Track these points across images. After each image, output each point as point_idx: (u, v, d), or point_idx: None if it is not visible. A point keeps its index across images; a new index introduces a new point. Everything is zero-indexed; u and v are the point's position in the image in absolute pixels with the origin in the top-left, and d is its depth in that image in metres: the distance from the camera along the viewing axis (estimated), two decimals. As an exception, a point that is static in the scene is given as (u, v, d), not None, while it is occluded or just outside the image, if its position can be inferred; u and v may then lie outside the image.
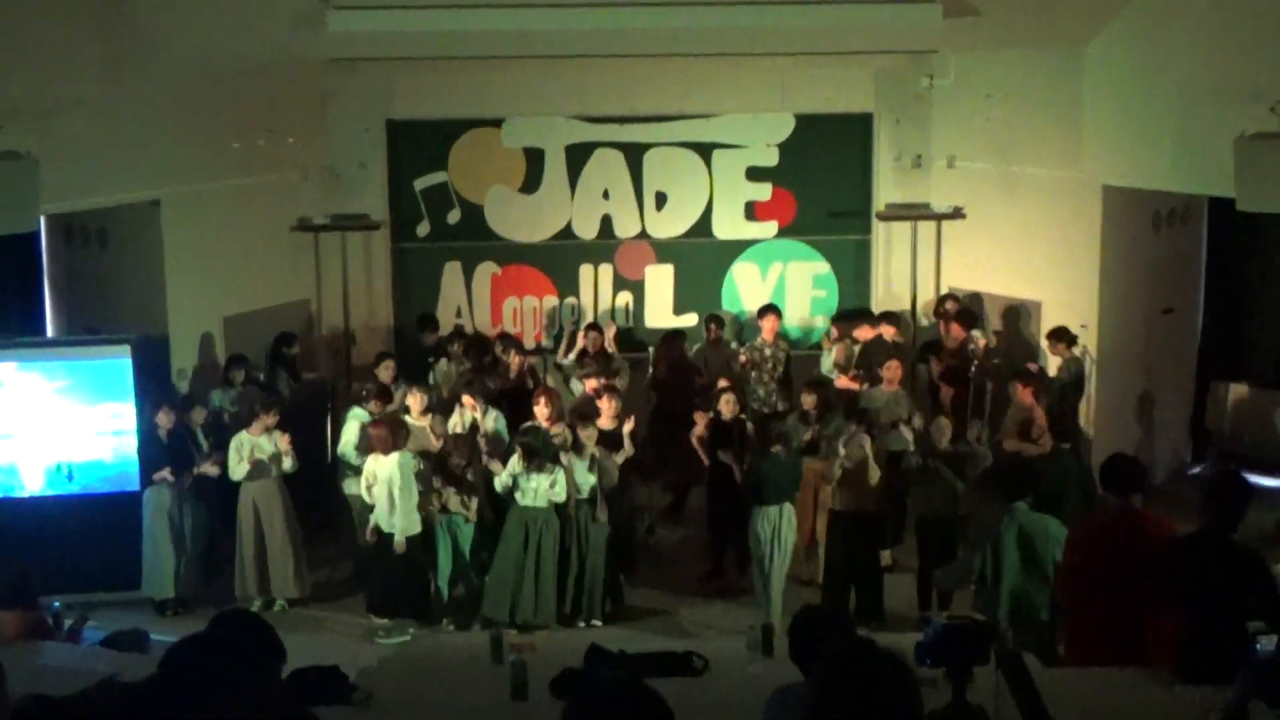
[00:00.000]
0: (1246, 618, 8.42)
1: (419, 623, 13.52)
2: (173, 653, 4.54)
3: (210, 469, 13.86)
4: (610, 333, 16.37)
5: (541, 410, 13.62)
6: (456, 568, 13.44)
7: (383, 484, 13.21)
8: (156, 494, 13.71)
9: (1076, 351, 15.30)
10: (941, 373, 15.81)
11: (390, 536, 13.25)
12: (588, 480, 13.23)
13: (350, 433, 14.12)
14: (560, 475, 13.08)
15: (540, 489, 13.04)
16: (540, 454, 13.04)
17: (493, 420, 14.12)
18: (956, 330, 15.99)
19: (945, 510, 13.20)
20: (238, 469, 13.65)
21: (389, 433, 13.34)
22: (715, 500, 14.27)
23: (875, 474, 13.07)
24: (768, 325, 16.11)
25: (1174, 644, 8.77)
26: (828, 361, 16.10)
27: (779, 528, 13.18)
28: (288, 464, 13.75)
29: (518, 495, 13.11)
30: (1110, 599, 9.14)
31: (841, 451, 13.03)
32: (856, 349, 16.16)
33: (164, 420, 13.71)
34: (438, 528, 13.33)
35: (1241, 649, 8.16)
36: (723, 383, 14.66)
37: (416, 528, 13.27)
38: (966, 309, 16.39)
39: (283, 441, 13.70)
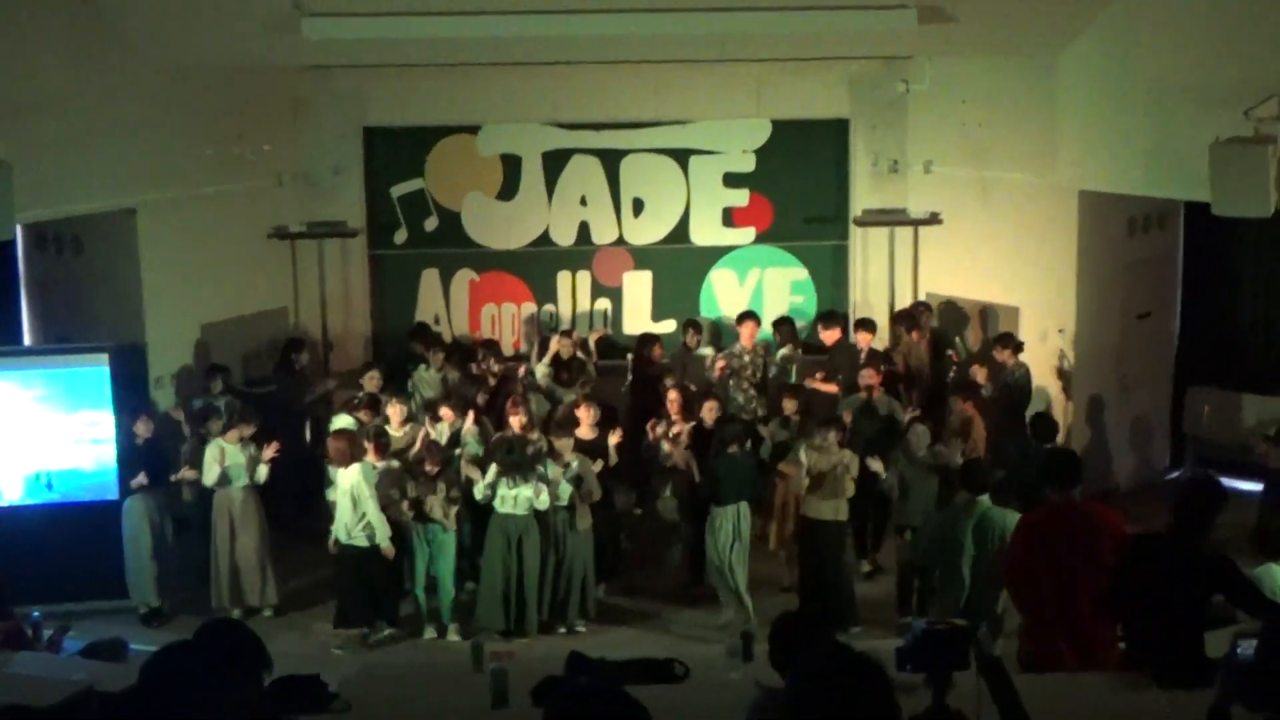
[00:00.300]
0: (1204, 624, 8.53)
1: (391, 627, 13.50)
2: (153, 661, 4.52)
3: (188, 474, 13.82)
4: (593, 339, 16.40)
5: (517, 420, 13.60)
6: (430, 577, 13.39)
7: (344, 494, 13.13)
8: (136, 503, 13.66)
9: (1023, 358, 15.32)
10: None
11: (349, 548, 13.18)
12: (566, 489, 13.21)
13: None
14: (543, 484, 13.07)
15: (521, 497, 13.02)
16: (516, 465, 13.03)
17: (471, 428, 14.08)
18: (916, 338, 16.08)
19: (923, 519, 13.20)
20: (210, 475, 13.62)
21: (347, 444, 13.27)
22: (696, 506, 14.23)
23: (850, 485, 13.05)
24: (746, 332, 16.09)
25: (1113, 639, 9.00)
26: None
27: (737, 526, 13.23)
28: (261, 474, 13.70)
29: (497, 504, 13.09)
30: (1051, 589, 9.27)
31: (802, 459, 13.02)
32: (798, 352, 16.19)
33: (142, 430, 13.66)
34: (415, 537, 13.29)
35: (1196, 655, 8.29)
36: (687, 389, 14.69)
37: (387, 534, 13.21)
38: (938, 328, 16.52)
39: (268, 450, 13.67)
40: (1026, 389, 15.37)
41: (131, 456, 13.63)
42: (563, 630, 13.30)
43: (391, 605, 13.54)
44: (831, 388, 15.39)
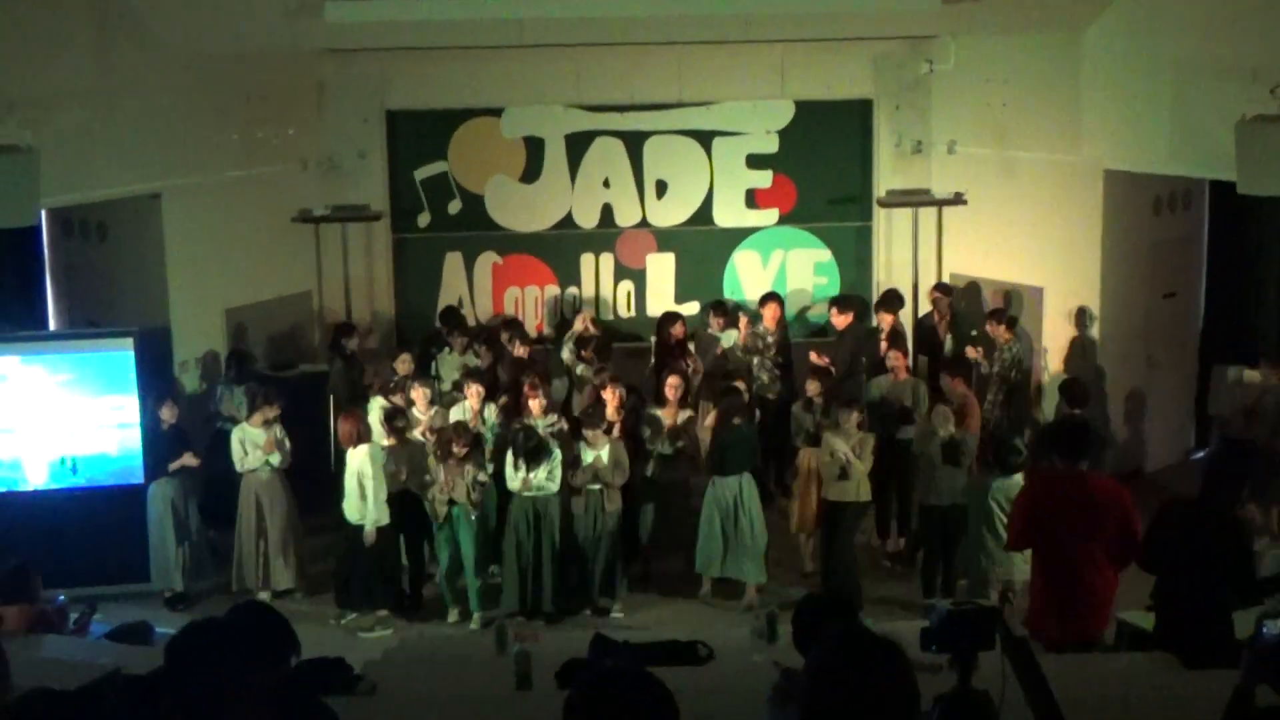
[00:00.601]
0: (1238, 593, 8.89)
1: (394, 615, 13.54)
2: (178, 640, 4.53)
3: (189, 460, 13.84)
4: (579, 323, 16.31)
5: (536, 404, 13.60)
6: (456, 563, 13.40)
7: (352, 475, 13.19)
8: (160, 487, 13.70)
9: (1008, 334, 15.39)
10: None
11: (359, 528, 13.23)
12: (599, 471, 13.20)
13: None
14: (555, 465, 13.07)
15: (538, 479, 13.04)
16: (534, 452, 13.04)
17: (493, 411, 14.08)
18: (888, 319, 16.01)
19: (948, 499, 13.19)
20: (242, 461, 13.67)
21: (354, 425, 13.33)
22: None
23: (860, 466, 13.03)
24: (769, 313, 16.05)
25: (1104, 613, 9.44)
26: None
27: (740, 496, 13.30)
28: (275, 459, 13.72)
29: (516, 487, 13.11)
30: (1049, 556, 9.51)
31: (836, 447, 13.02)
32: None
33: (168, 415, 13.70)
34: (439, 523, 13.30)
35: (1224, 627, 8.72)
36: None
37: (386, 519, 13.22)
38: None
39: (268, 439, 13.68)
40: (1023, 364, 15.42)
41: (157, 441, 13.66)
42: (588, 611, 13.30)
43: (388, 593, 13.57)
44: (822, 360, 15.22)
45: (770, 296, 16.38)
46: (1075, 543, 9.43)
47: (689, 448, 13.73)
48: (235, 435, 13.73)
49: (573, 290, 17.74)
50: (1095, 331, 15.73)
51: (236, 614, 5.43)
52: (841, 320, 15.92)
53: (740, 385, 14.25)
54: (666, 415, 13.77)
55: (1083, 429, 10.46)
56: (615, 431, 13.58)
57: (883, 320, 15.97)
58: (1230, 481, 9.11)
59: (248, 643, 4.59)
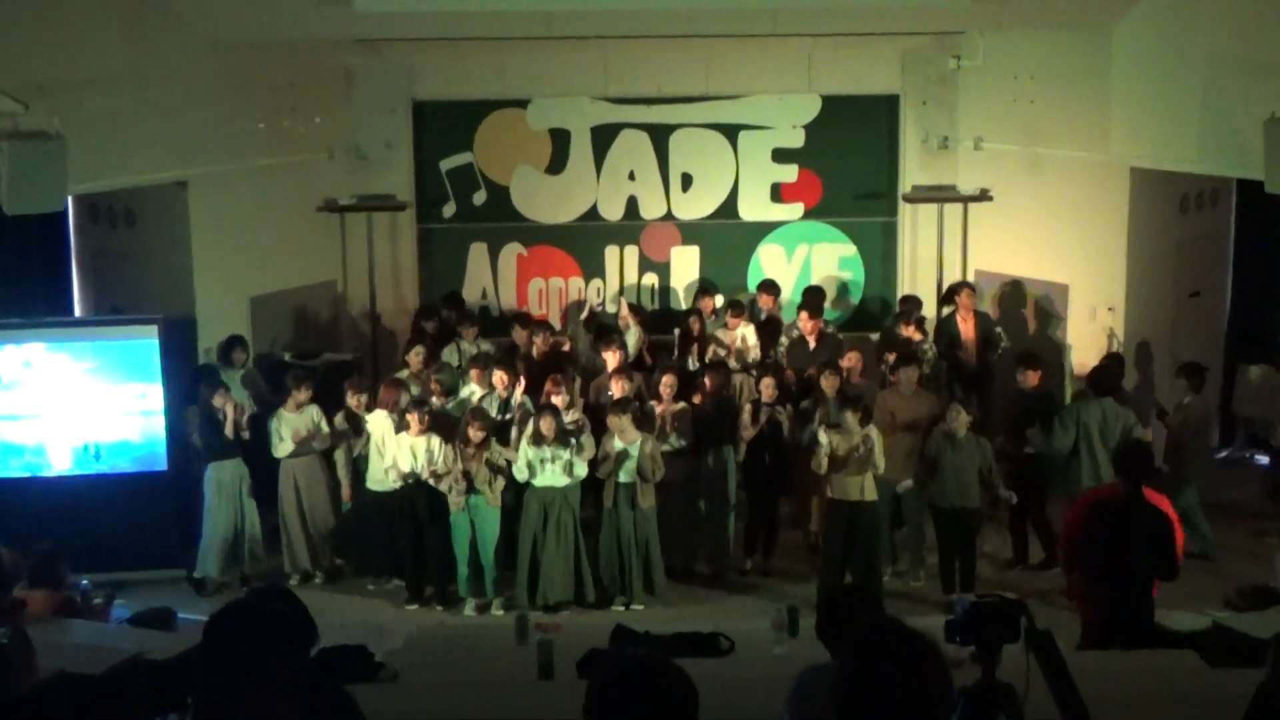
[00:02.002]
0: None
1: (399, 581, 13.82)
2: (216, 624, 4.53)
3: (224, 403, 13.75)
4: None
5: (560, 399, 13.60)
6: (476, 553, 13.43)
7: (375, 442, 13.49)
8: (217, 472, 13.69)
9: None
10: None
11: (373, 494, 13.56)
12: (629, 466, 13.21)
13: None
14: (571, 456, 13.07)
15: (557, 469, 13.05)
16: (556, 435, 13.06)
17: (521, 398, 14.08)
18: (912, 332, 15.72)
19: (960, 501, 13.17)
20: (280, 447, 13.76)
21: (393, 394, 13.74)
22: (750, 482, 14.22)
23: (878, 462, 12.97)
24: (807, 326, 15.71)
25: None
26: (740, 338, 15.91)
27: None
28: (316, 444, 13.82)
29: (533, 478, 13.13)
30: (1102, 573, 9.96)
31: (822, 440, 12.98)
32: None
33: (220, 402, 13.63)
34: (458, 513, 13.32)
35: (1145, 609, 9.82)
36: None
37: (406, 466, 13.33)
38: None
39: (303, 423, 13.78)
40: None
41: (212, 428, 13.62)
42: (619, 606, 13.29)
43: (391, 563, 13.79)
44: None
45: (810, 303, 16.15)
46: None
47: (684, 444, 13.75)
48: (273, 422, 13.80)
49: (597, 282, 17.72)
50: (1120, 330, 15.67)
51: (260, 598, 5.42)
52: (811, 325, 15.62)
53: (769, 382, 14.12)
54: (661, 411, 13.78)
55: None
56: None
57: (907, 332, 15.77)
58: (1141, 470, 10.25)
59: (279, 629, 4.59)
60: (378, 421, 13.57)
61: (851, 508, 12.98)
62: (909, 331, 15.58)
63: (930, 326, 16.17)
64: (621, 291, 17.59)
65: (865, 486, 12.98)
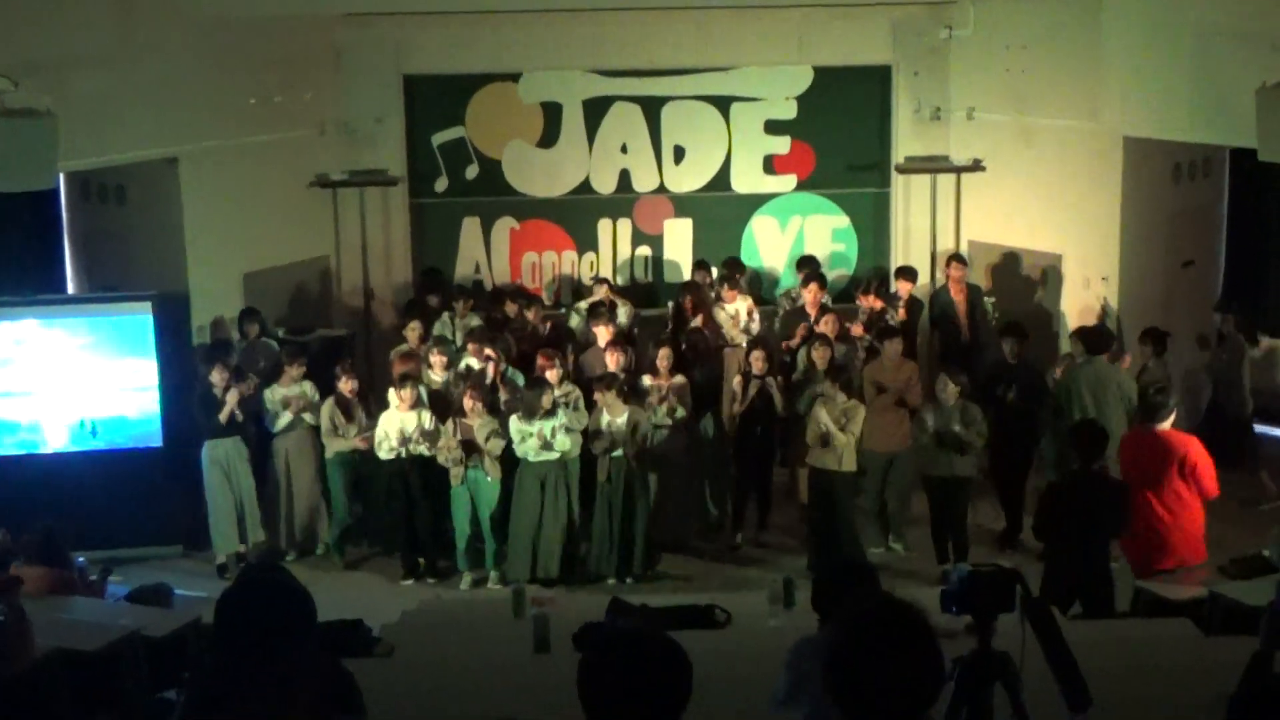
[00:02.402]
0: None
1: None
2: (227, 603, 4.55)
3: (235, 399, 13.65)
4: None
5: (553, 373, 13.60)
6: (475, 527, 13.46)
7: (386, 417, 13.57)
8: (212, 450, 13.65)
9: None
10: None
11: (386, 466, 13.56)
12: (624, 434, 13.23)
13: None
14: (556, 427, 13.08)
15: (539, 440, 13.06)
16: (531, 410, 13.06)
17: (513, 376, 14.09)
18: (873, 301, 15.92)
19: (951, 469, 13.20)
20: (279, 421, 13.81)
21: (406, 366, 13.98)
22: (740, 457, 14.24)
23: (841, 437, 13.01)
24: (810, 296, 15.87)
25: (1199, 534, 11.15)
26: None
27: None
28: (309, 417, 13.83)
29: (528, 452, 13.14)
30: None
31: (823, 418, 13.03)
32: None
33: (218, 379, 13.58)
34: (457, 486, 13.35)
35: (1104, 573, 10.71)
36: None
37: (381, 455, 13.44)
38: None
39: (298, 396, 13.79)
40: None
41: (210, 404, 13.57)
42: (611, 581, 13.31)
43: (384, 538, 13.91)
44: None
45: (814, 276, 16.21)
46: (1152, 488, 10.97)
47: (684, 417, 13.76)
48: (266, 397, 13.80)
49: (590, 255, 17.72)
50: (1114, 299, 15.69)
51: (269, 579, 5.38)
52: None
53: (760, 354, 14.12)
54: (657, 385, 13.78)
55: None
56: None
57: (901, 289, 15.98)
58: (1095, 448, 11.05)
59: (284, 609, 4.60)
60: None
61: (830, 477, 13.07)
62: (869, 302, 15.74)
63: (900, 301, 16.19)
64: (615, 269, 17.56)
65: (844, 457, 13.06)
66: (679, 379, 13.85)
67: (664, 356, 13.88)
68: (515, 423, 13.11)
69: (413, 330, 14.92)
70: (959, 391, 13.17)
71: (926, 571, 13.33)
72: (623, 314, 15.71)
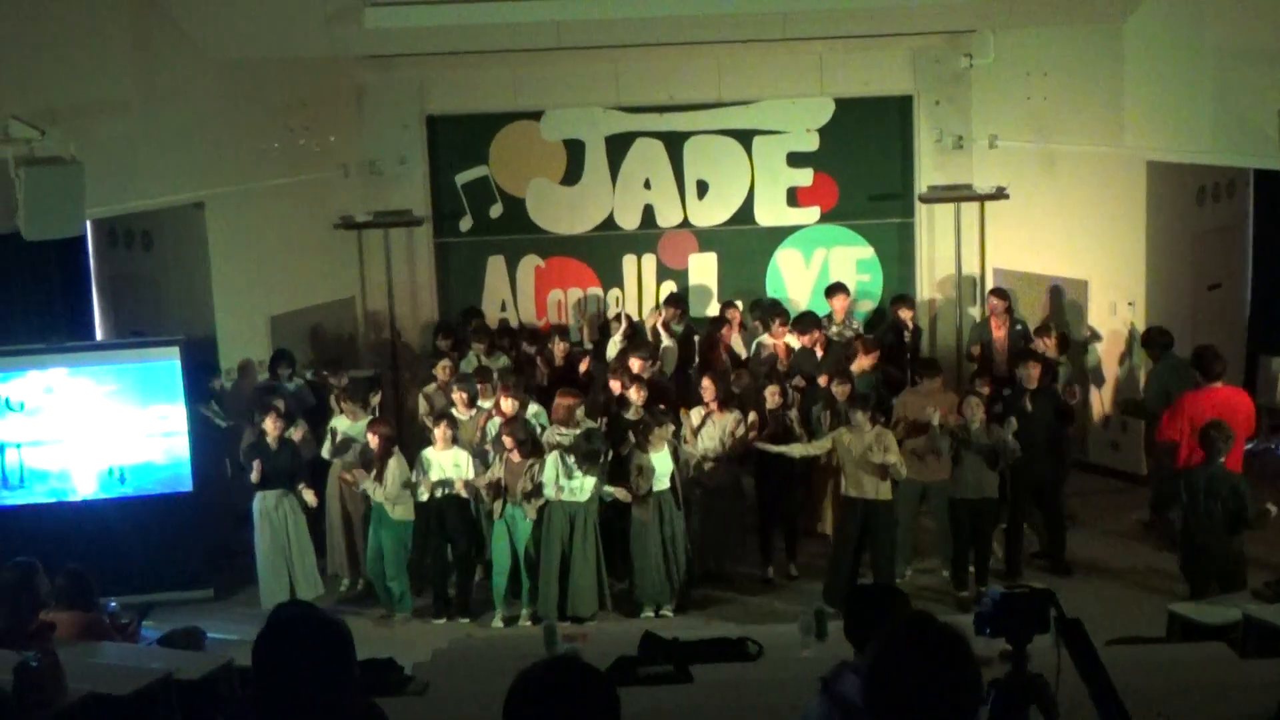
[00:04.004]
0: None
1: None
2: (265, 645, 4.53)
3: (310, 499, 13.69)
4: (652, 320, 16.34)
5: (581, 412, 13.63)
6: (513, 561, 13.45)
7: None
8: (261, 501, 13.60)
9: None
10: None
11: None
12: (668, 469, 13.21)
13: None
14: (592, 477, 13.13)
15: (583, 487, 13.05)
16: (595, 455, 13.07)
17: (532, 415, 14.06)
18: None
19: (977, 493, 13.15)
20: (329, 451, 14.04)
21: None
22: (761, 489, 14.21)
23: (893, 460, 12.99)
24: (838, 304, 16.12)
25: None
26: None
27: None
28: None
29: (562, 494, 13.12)
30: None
31: (806, 445, 13.14)
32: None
33: (271, 428, 13.56)
34: (495, 522, 13.35)
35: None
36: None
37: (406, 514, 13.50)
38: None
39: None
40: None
41: (263, 453, 13.53)
42: (649, 613, 13.28)
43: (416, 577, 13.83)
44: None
45: (837, 287, 16.50)
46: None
47: (735, 448, 13.73)
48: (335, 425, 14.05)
49: (615, 291, 17.73)
50: (1140, 324, 15.63)
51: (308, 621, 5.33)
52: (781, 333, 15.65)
53: (775, 386, 14.12)
54: (694, 417, 13.76)
55: (1213, 352, 13.38)
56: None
57: (904, 316, 16.11)
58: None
59: (325, 652, 4.57)
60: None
61: (866, 505, 13.02)
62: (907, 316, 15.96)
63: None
64: (640, 305, 17.54)
65: (880, 486, 13.02)
66: (734, 414, 13.80)
67: (707, 388, 13.86)
68: (556, 463, 13.11)
69: (443, 368, 14.92)
70: (983, 418, 13.16)
71: (951, 596, 13.35)
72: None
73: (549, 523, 13.19)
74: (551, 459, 13.11)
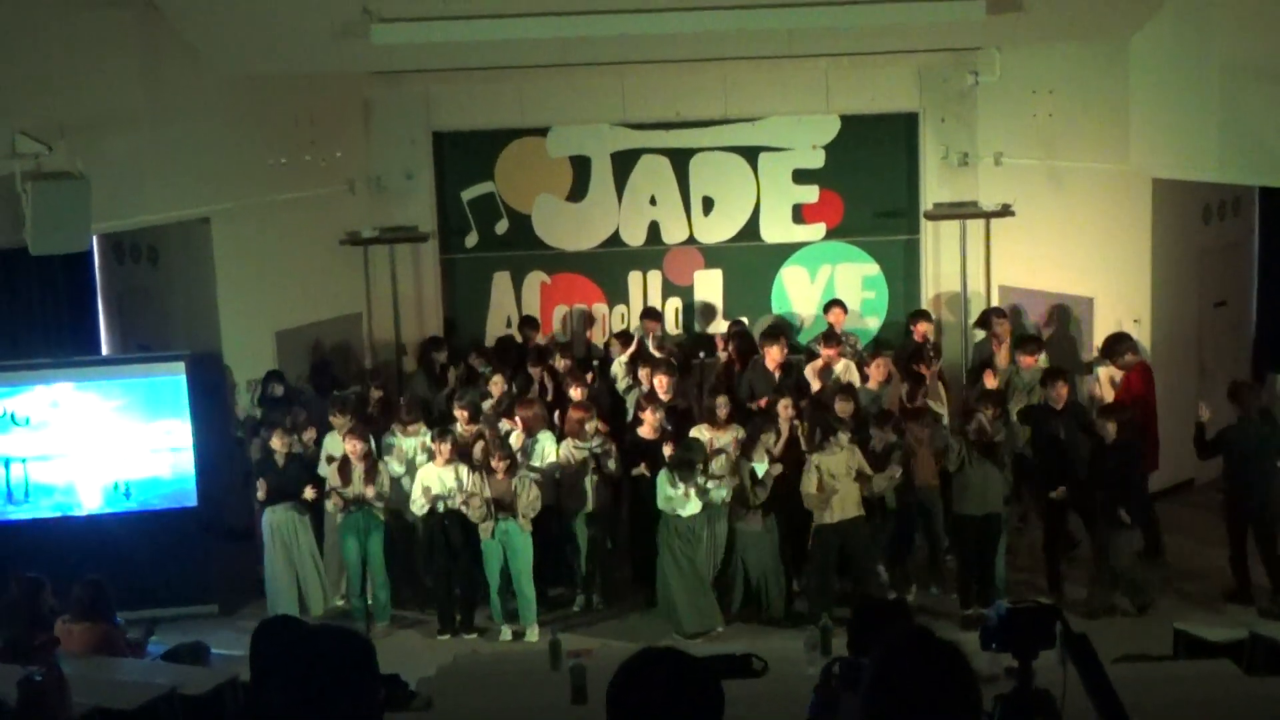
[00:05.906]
0: None
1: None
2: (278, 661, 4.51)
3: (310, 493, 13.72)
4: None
5: (592, 425, 13.71)
6: (508, 579, 13.46)
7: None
8: (271, 516, 13.65)
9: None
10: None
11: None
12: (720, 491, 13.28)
13: None
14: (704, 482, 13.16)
15: (694, 498, 13.08)
16: (690, 465, 13.09)
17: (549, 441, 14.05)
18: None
19: (980, 509, 13.14)
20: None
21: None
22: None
23: (872, 480, 13.20)
24: (835, 320, 16.15)
25: None
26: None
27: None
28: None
29: (677, 508, 13.13)
30: None
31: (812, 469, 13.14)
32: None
33: (279, 444, 13.58)
34: (488, 540, 13.35)
35: None
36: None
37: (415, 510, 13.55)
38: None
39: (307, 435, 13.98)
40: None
41: (271, 470, 13.58)
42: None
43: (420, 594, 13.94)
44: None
45: (834, 303, 16.59)
46: None
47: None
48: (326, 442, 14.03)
49: (621, 308, 17.74)
50: (1146, 341, 15.62)
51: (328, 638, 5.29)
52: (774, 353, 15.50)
53: (786, 402, 14.11)
54: (709, 434, 13.77)
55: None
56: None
57: (919, 331, 16.02)
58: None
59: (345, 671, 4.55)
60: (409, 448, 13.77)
61: (842, 528, 13.11)
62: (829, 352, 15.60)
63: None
64: (663, 337, 17.43)
65: (847, 503, 13.10)
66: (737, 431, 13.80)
67: (722, 404, 13.86)
68: (664, 478, 13.14)
69: (496, 384, 14.85)
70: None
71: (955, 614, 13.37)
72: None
73: (664, 543, 13.26)
74: (663, 476, 13.15)
